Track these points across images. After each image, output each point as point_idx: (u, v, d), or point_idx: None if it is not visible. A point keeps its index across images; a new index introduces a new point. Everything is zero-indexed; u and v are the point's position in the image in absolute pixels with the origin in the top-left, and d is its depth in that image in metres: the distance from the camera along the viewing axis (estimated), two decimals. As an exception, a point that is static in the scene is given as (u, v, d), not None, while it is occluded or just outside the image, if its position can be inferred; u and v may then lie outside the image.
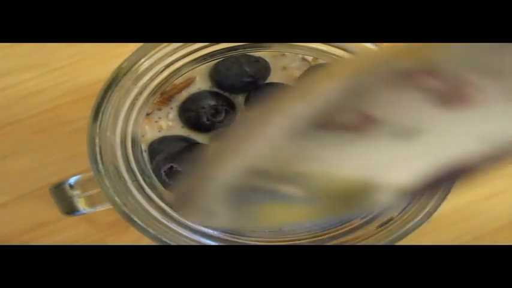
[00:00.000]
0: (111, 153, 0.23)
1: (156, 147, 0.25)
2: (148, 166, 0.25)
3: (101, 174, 0.22)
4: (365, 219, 0.24)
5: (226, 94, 0.26)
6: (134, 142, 0.24)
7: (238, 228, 0.19)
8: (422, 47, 0.13)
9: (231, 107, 0.26)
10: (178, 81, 0.26)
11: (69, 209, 0.25)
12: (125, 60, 0.23)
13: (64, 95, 0.31)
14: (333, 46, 0.25)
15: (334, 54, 0.25)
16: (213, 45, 0.25)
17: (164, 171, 0.24)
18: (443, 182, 0.14)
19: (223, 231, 0.24)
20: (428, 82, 0.13)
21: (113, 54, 0.31)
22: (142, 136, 0.26)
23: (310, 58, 0.27)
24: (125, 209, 0.22)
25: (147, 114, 0.26)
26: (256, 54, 0.26)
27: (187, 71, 0.26)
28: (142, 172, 0.24)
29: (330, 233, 0.24)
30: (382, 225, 0.23)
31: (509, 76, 0.12)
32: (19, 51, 0.31)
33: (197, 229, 0.23)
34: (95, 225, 0.30)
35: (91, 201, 0.24)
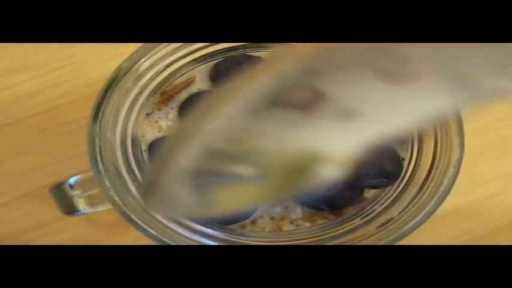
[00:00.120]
0: (111, 153, 0.23)
1: (156, 147, 0.25)
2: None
3: (101, 174, 0.22)
4: (365, 219, 0.24)
5: (226, 94, 0.26)
6: (134, 142, 0.24)
7: (200, 215, 0.19)
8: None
9: (231, 107, 0.26)
10: (178, 81, 0.26)
11: (69, 209, 0.25)
12: (125, 60, 0.23)
13: (64, 95, 0.31)
14: (333, 46, 0.25)
15: (334, 54, 0.25)
16: (213, 45, 0.25)
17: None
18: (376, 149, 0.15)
19: (223, 231, 0.24)
20: (375, 60, 0.14)
21: (113, 54, 0.31)
22: (142, 136, 0.26)
23: (310, 58, 0.26)
24: (125, 209, 0.22)
25: (147, 114, 0.26)
26: (256, 54, 0.26)
27: (187, 71, 0.26)
28: (143, 172, 0.24)
29: (330, 233, 0.24)
30: (382, 225, 0.23)
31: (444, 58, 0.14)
32: (19, 51, 0.31)
33: (197, 229, 0.23)
34: (95, 225, 0.30)
35: (91, 201, 0.24)
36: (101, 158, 0.22)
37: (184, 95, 0.26)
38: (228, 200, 0.16)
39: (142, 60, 0.23)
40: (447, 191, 0.22)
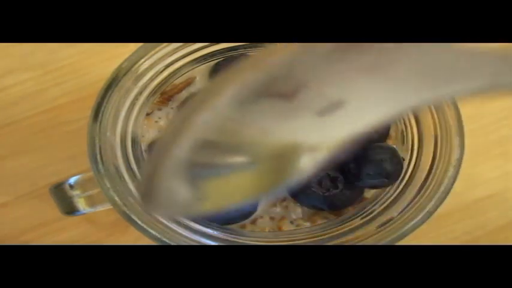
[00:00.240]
0: (111, 153, 0.23)
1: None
2: (148, 166, 0.25)
3: (101, 174, 0.22)
4: (365, 219, 0.24)
5: (226, 94, 0.26)
6: (134, 142, 0.24)
7: (197, 213, 0.19)
8: None
9: (231, 107, 0.26)
10: (178, 81, 0.26)
11: (69, 209, 0.25)
12: (125, 60, 0.23)
13: (64, 95, 0.31)
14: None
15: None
16: (213, 45, 0.25)
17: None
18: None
19: (223, 231, 0.24)
20: (355, 56, 0.15)
21: (113, 54, 0.31)
22: (142, 136, 0.26)
23: (310, 58, 0.26)
24: (124, 209, 0.22)
25: (147, 114, 0.26)
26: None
27: (187, 71, 0.26)
28: (142, 172, 0.24)
29: (330, 233, 0.24)
30: (382, 225, 0.23)
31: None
32: (19, 51, 0.31)
33: (197, 229, 0.23)
34: (95, 225, 0.30)
35: (91, 201, 0.24)
36: (101, 158, 0.22)
37: (184, 95, 0.26)
38: (221, 193, 0.17)
39: (142, 60, 0.23)
40: (447, 191, 0.22)
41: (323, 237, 0.24)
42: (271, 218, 0.25)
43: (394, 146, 0.26)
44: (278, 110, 0.15)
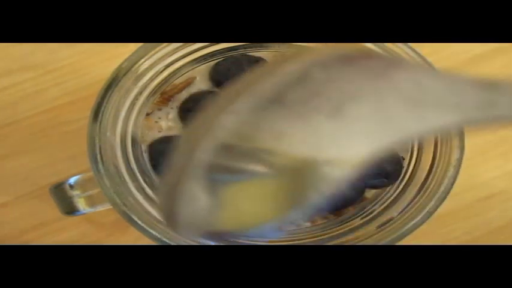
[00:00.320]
0: (111, 153, 0.23)
1: (156, 147, 0.25)
2: (149, 166, 0.25)
3: (101, 174, 0.22)
4: (365, 219, 0.24)
5: (226, 94, 0.26)
6: (134, 142, 0.24)
7: (218, 227, 0.19)
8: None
9: (231, 107, 0.26)
10: (178, 81, 0.26)
11: (69, 209, 0.25)
12: (125, 60, 0.23)
13: (64, 95, 0.31)
14: (333, 46, 0.25)
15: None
16: (213, 45, 0.25)
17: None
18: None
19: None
20: (364, 62, 0.15)
21: (113, 54, 0.31)
22: (142, 136, 0.26)
23: (310, 58, 0.26)
24: (124, 209, 0.22)
25: (147, 114, 0.26)
26: (256, 54, 0.26)
27: (187, 71, 0.26)
28: (142, 172, 0.24)
29: (330, 233, 0.24)
30: (382, 225, 0.23)
31: None
32: (19, 51, 0.31)
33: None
34: (95, 225, 0.30)
35: (91, 201, 0.24)
36: (101, 158, 0.22)
37: (184, 95, 0.26)
38: (238, 203, 0.16)
39: (142, 60, 0.23)
40: (447, 191, 0.22)
41: (323, 237, 0.24)
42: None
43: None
44: (291, 116, 0.15)
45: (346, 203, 0.25)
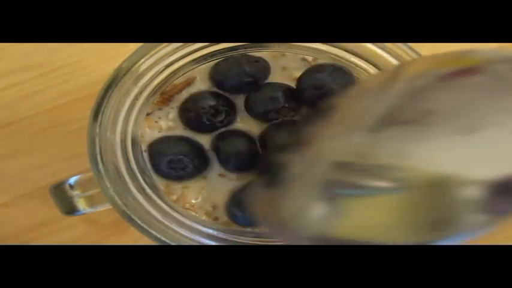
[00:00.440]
0: (111, 153, 0.23)
1: (156, 147, 0.25)
2: (149, 166, 0.25)
3: (101, 174, 0.22)
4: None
5: (226, 94, 0.26)
6: (134, 142, 0.24)
7: (331, 232, 0.19)
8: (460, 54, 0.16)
9: (231, 107, 0.26)
10: (178, 81, 0.26)
11: (69, 209, 0.25)
12: (125, 60, 0.23)
13: (64, 95, 0.31)
14: (333, 46, 0.25)
15: (334, 54, 0.25)
16: (213, 45, 0.25)
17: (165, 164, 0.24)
18: None
19: (223, 232, 0.24)
20: (471, 78, 0.14)
21: (113, 54, 0.31)
22: (142, 136, 0.26)
23: (310, 58, 0.27)
24: (124, 209, 0.22)
25: (147, 114, 0.26)
26: (256, 54, 0.26)
27: (187, 71, 0.26)
28: (142, 172, 0.24)
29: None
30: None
31: None
32: (19, 51, 0.31)
33: (197, 229, 0.23)
34: (95, 225, 0.30)
35: (91, 201, 0.24)
36: (101, 158, 0.22)
37: (184, 95, 0.26)
38: (362, 214, 0.17)
39: (142, 60, 0.23)
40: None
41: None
42: (271, 218, 0.25)
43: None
44: (411, 134, 0.15)
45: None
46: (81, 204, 0.25)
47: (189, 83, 0.26)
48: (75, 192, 0.24)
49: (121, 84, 0.23)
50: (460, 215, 0.15)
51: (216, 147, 0.25)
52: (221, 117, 0.25)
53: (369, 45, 0.24)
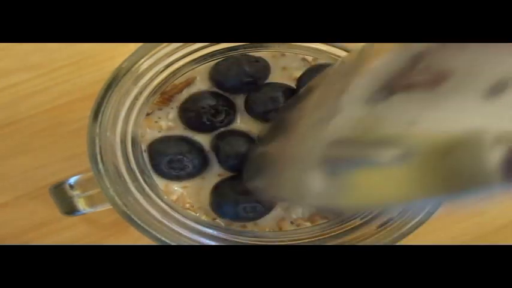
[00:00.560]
0: (111, 153, 0.23)
1: (156, 147, 0.25)
2: (148, 166, 0.25)
3: (101, 174, 0.22)
4: (365, 219, 0.24)
5: (226, 94, 0.26)
6: (134, 142, 0.24)
7: (332, 205, 0.18)
8: None
9: (231, 107, 0.26)
10: (178, 81, 0.26)
11: (69, 209, 0.25)
12: (125, 60, 0.23)
13: (64, 95, 0.31)
14: (333, 46, 0.25)
15: (334, 54, 0.25)
16: (213, 45, 0.25)
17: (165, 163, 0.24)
18: None
19: (223, 231, 0.24)
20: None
21: (113, 54, 0.31)
22: (142, 136, 0.26)
23: (310, 58, 0.27)
24: (124, 209, 0.22)
25: (147, 114, 0.26)
26: (256, 54, 0.26)
27: (187, 71, 0.26)
28: (142, 172, 0.24)
29: (330, 233, 0.24)
30: (382, 225, 0.23)
31: None
32: (19, 51, 0.31)
33: (197, 229, 0.23)
34: (95, 225, 0.30)
35: (91, 201, 0.24)
36: (101, 158, 0.22)
37: (184, 95, 0.26)
38: (370, 185, 0.16)
39: (142, 60, 0.23)
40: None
41: (323, 237, 0.24)
42: (272, 218, 0.25)
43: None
44: (421, 100, 0.14)
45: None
46: (81, 204, 0.25)
47: (189, 83, 0.26)
48: (75, 192, 0.24)
49: (121, 84, 0.23)
50: (479, 171, 0.13)
51: (215, 147, 0.25)
52: (221, 117, 0.25)
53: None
